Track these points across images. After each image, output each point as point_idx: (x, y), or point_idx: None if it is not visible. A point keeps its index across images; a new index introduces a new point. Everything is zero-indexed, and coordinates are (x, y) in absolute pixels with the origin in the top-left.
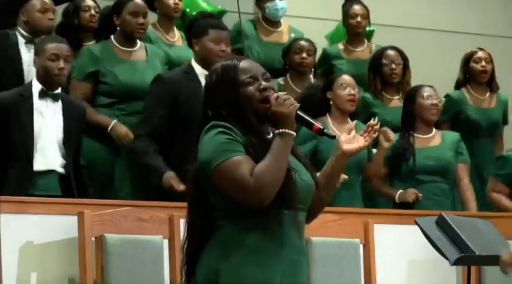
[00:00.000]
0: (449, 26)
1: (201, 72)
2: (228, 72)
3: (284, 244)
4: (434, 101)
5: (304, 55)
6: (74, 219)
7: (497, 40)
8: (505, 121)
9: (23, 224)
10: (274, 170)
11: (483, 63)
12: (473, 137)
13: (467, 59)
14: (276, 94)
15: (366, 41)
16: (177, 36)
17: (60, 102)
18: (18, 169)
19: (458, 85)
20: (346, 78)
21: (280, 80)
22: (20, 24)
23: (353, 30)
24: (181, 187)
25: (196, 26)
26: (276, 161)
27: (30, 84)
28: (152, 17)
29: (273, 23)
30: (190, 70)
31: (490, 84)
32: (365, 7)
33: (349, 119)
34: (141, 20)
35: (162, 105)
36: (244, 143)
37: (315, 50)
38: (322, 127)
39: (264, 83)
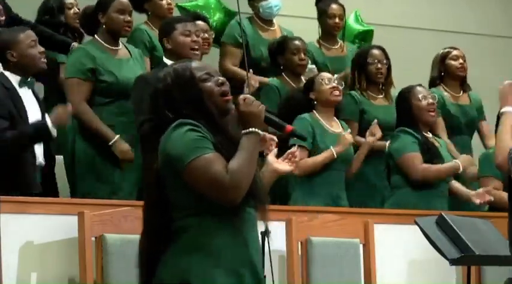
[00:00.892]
0: (449, 26)
1: None
2: (183, 72)
3: (248, 242)
4: (430, 100)
5: (302, 56)
6: (74, 219)
7: (497, 40)
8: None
9: (23, 224)
10: (248, 168)
11: (460, 60)
12: (456, 134)
13: (443, 57)
14: (243, 96)
15: (338, 39)
16: None
17: (30, 90)
18: (27, 164)
19: (433, 84)
20: (324, 74)
21: (275, 79)
22: None
23: (330, 30)
24: None
25: (164, 25)
26: (248, 159)
27: (3, 75)
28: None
29: (266, 21)
30: None
31: (463, 83)
32: (341, 6)
33: (335, 117)
34: (127, 17)
35: None
36: (212, 141)
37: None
38: (294, 129)
39: (220, 78)
